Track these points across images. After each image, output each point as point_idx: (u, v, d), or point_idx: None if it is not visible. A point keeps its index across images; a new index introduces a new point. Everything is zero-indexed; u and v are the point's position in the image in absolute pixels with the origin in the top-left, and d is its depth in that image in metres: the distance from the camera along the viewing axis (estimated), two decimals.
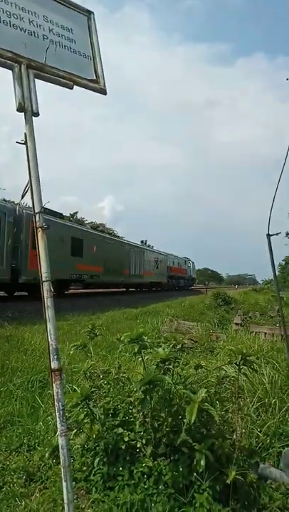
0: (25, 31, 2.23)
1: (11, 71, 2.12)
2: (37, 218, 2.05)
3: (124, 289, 30.70)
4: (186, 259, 46.98)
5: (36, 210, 2.06)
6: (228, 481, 2.31)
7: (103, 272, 23.71)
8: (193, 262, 50.22)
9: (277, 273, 6.46)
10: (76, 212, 56.45)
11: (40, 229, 2.04)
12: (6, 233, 14.62)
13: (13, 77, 2.10)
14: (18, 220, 15.28)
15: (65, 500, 1.80)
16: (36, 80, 2.23)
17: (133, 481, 2.41)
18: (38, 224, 2.05)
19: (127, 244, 29.68)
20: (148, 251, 33.82)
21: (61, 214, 21.75)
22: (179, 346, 2.73)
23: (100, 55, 2.62)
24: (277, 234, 4.69)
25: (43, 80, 2.28)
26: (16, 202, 18.50)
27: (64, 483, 1.81)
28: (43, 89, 2.25)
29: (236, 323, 9.52)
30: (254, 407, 3.64)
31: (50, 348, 1.91)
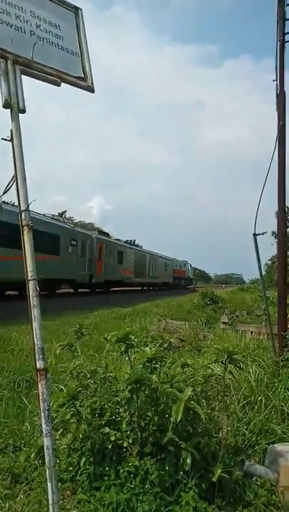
0: (11, 26, 2.20)
1: None
2: (23, 216, 2.02)
3: (140, 288, 37.96)
4: (185, 262, 53.86)
5: (22, 208, 2.03)
6: (213, 479, 2.33)
7: (133, 275, 32.79)
8: (190, 265, 57.82)
9: (263, 272, 6.54)
10: (65, 212, 56.08)
11: (26, 227, 2.01)
12: (88, 252, 24.21)
13: None
14: (92, 243, 25.01)
15: (50, 501, 1.78)
16: (23, 76, 2.20)
17: (119, 481, 2.41)
18: (23, 222, 2.02)
19: (146, 252, 37.88)
20: (160, 257, 41.98)
21: (108, 234, 30.59)
22: (165, 345, 2.74)
23: (87, 53, 2.60)
24: (263, 233, 4.75)
25: (30, 77, 2.25)
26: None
27: (49, 484, 1.79)
28: (32, 87, 2.23)
29: (223, 322, 9.60)
30: (240, 404, 3.68)
31: (36, 347, 1.88)
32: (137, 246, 37.40)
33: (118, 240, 32.47)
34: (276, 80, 5.20)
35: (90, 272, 24.53)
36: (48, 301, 15.82)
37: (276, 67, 5.16)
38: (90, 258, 24.66)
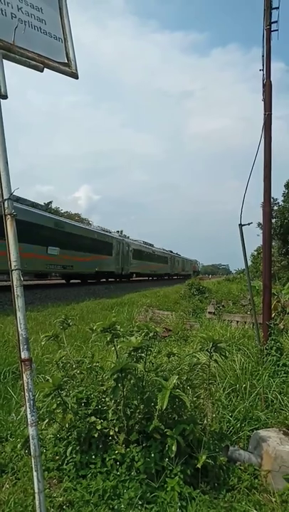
0: None
1: None
2: (5, 205, 1.98)
3: (167, 278, 51.36)
4: (197, 260, 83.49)
5: (5, 197, 1.99)
6: (198, 465, 2.38)
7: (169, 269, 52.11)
8: (200, 262, 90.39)
9: (249, 263, 6.61)
10: (50, 202, 55.37)
11: (9, 216, 1.98)
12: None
13: None
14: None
15: (36, 490, 1.79)
16: (4, 61, 2.13)
17: (105, 469, 2.43)
18: (6, 211, 1.99)
19: (171, 254, 55.72)
20: (187, 259, 68.49)
21: (152, 244, 44.92)
22: (151, 334, 2.75)
23: (71, 38, 2.53)
24: (248, 224, 4.79)
25: (12, 61, 2.18)
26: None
27: (34, 473, 1.79)
28: (14, 74, 2.16)
29: (210, 312, 9.70)
30: (225, 392, 3.74)
31: (20, 337, 1.87)
32: (167, 251, 54.95)
33: (164, 249, 49.89)
34: (262, 70, 5.20)
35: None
36: (42, 292, 15.73)
37: (263, 56, 5.15)
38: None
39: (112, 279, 32.91)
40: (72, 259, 23.15)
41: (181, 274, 58.37)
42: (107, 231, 32.35)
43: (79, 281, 27.40)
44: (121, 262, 32.95)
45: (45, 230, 19.84)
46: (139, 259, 38.07)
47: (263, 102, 5.17)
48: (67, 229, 23.11)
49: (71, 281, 27.21)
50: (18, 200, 17.90)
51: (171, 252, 56.19)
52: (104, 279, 31.36)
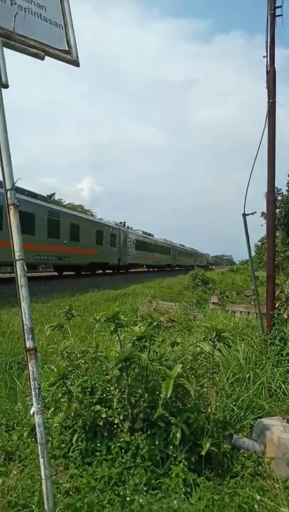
0: None
1: None
2: (8, 195, 1.98)
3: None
4: (208, 254, 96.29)
5: (8, 187, 1.99)
6: (202, 453, 2.40)
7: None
8: (209, 254, 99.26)
9: (253, 253, 6.58)
10: (53, 194, 55.36)
11: (12, 206, 1.97)
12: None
13: None
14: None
15: (43, 476, 1.82)
16: (4, 49, 2.11)
17: (111, 456, 2.47)
18: (9, 201, 1.98)
19: (193, 250, 67.26)
20: (199, 253, 75.78)
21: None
22: (154, 324, 2.76)
23: (72, 25, 2.49)
24: (252, 213, 4.76)
25: (12, 49, 2.16)
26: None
27: (41, 460, 1.82)
28: (15, 64, 2.14)
29: (213, 303, 9.72)
30: (229, 381, 3.76)
31: (25, 327, 1.88)
32: (193, 249, 67.94)
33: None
34: (266, 56, 5.10)
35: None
36: (46, 283, 15.84)
37: (266, 42, 5.05)
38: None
39: (110, 271, 31.25)
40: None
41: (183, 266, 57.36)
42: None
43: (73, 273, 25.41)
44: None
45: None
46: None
47: (266, 90, 5.09)
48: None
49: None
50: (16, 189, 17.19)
51: (192, 248, 66.19)
52: (101, 271, 29.90)
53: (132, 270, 36.52)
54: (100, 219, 32.17)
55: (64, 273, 25.14)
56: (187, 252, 62.34)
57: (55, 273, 24.81)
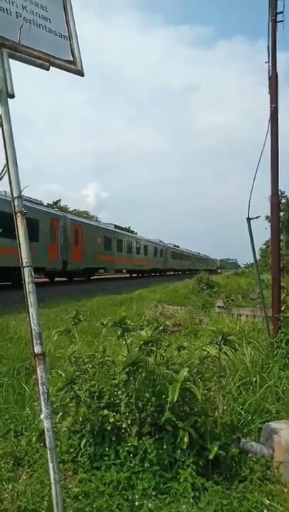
0: None
1: None
2: (15, 203, 2.01)
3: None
4: (216, 259, 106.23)
5: (15, 195, 2.03)
6: (210, 457, 2.41)
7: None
8: (218, 260, 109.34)
9: (257, 257, 6.58)
10: (59, 200, 55.68)
11: (19, 214, 2.01)
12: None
13: None
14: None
15: (52, 481, 1.83)
16: (11, 60, 2.16)
17: (119, 460, 2.48)
18: (16, 209, 2.02)
19: (206, 256, 77.40)
20: (211, 259, 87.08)
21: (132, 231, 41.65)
22: (161, 328, 2.78)
23: (76, 35, 2.55)
24: (256, 217, 4.77)
25: (18, 60, 2.21)
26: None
27: (50, 465, 1.84)
28: (19, 73, 2.18)
29: (219, 306, 9.70)
30: (236, 385, 3.75)
31: (33, 332, 1.91)
32: (206, 255, 79.08)
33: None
34: (268, 62, 5.14)
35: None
36: (52, 289, 15.91)
37: (268, 47, 5.09)
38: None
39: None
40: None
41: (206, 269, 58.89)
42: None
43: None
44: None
45: None
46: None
47: (269, 95, 5.13)
48: None
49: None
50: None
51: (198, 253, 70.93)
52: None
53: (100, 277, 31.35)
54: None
55: (74, 278, 25.07)
56: (202, 258, 75.79)
57: (60, 278, 24.53)
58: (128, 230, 38.87)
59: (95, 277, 26.66)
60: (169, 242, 50.63)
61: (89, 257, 25.20)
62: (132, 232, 39.75)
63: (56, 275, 23.21)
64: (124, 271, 38.28)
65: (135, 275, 37.85)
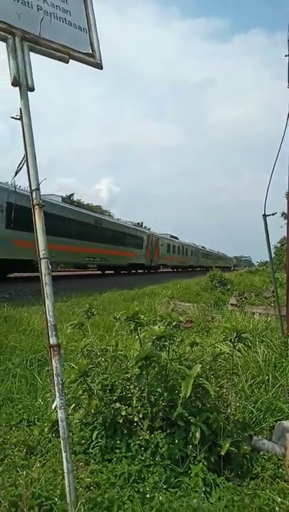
0: (18, 1, 2.16)
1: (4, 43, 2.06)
2: (34, 195, 2.03)
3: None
4: (233, 257, 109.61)
5: (33, 187, 2.05)
6: (222, 453, 2.40)
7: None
8: (234, 258, 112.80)
9: (272, 254, 6.52)
10: (72, 194, 56.07)
11: (37, 206, 2.03)
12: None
13: (7, 50, 2.04)
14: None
15: (65, 470, 1.86)
16: (31, 53, 2.17)
17: (130, 454, 2.49)
18: (34, 201, 2.04)
19: (225, 256, 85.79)
20: (228, 257, 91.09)
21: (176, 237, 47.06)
22: (174, 324, 2.77)
23: (95, 28, 2.55)
24: (273, 214, 4.71)
25: (38, 53, 2.22)
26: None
27: (64, 454, 1.87)
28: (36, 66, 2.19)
29: (232, 304, 9.64)
30: (248, 383, 3.73)
31: (49, 324, 1.93)
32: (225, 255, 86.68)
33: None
34: (288, 55, 5.04)
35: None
36: (65, 282, 16.08)
37: (288, 41, 4.98)
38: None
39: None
40: None
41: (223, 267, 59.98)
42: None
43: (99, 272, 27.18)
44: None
45: None
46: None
47: (288, 89, 5.02)
48: None
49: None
50: None
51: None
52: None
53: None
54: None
55: (83, 273, 27.09)
56: (222, 257, 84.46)
57: (71, 272, 25.51)
58: (141, 225, 39.16)
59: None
60: (181, 237, 50.90)
61: (161, 258, 38.13)
62: (146, 228, 40.11)
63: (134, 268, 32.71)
64: (169, 267, 45.61)
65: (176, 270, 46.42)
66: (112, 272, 31.31)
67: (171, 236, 47.79)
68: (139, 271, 35.43)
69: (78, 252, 22.72)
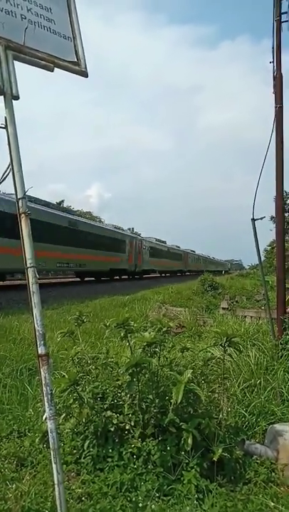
0: (2, 10, 2.15)
1: None
2: (20, 204, 2.02)
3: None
4: (227, 262, 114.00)
5: (19, 196, 2.03)
6: (214, 458, 2.39)
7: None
8: (228, 263, 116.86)
9: (262, 258, 6.56)
10: (62, 201, 55.86)
11: (23, 215, 2.02)
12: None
13: None
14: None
15: (55, 482, 1.83)
16: (15, 62, 2.17)
17: (122, 462, 2.47)
18: (21, 210, 2.02)
19: (222, 261, 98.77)
20: (220, 261, 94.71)
21: (164, 241, 45.75)
22: (164, 329, 2.77)
23: (80, 36, 2.55)
24: (261, 218, 4.75)
25: (22, 62, 2.21)
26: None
27: (54, 465, 1.84)
28: (22, 73, 2.19)
29: (223, 308, 9.67)
30: (240, 387, 3.73)
31: (37, 333, 1.91)
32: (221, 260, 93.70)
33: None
34: (273, 62, 5.13)
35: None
36: (56, 290, 15.97)
37: (273, 48, 5.08)
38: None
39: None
40: None
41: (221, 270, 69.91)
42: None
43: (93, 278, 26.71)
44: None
45: None
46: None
47: (273, 95, 5.11)
48: None
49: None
50: None
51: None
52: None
53: None
54: None
55: (73, 279, 26.15)
56: (220, 263, 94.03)
57: (62, 280, 24.70)
58: (132, 230, 39.07)
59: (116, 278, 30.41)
60: (173, 243, 50.84)
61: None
62: (137, 233, 39.88)
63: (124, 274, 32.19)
64: (156, 271, 43.89)
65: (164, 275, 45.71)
66: (93, 278, 28.38)
67: (158, 240, 44.00)
68: (122, 277, 32.91)
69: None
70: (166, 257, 45.70)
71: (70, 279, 27.16)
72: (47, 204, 22.71)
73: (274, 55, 5.11)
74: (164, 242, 46.47)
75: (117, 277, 31.89)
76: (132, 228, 41.66)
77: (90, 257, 25.56)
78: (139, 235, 39.71)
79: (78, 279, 27.21)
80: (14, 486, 2.16)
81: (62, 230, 22.32)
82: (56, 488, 1.83)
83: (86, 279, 27.75)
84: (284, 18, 5.14)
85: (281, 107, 5.04)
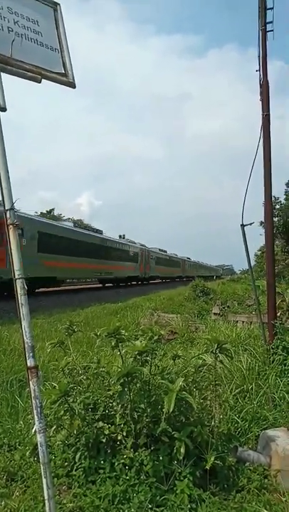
0: None
1: None
2: (8, 215, 2.01)
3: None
4: (220, 268, 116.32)
5: (7, 207, 2.02)
6: (207, 467, 2.38)
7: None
8: (220, 268, 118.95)
9: (253, 263, 6.61)
10: (53, 209, 55.57)
11: (11, 226, 2.01)
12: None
13: None
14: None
15: (46, 497, 1.80)
16: (2, 74, 2.18)
17: (115, 473, 2.44)
18: (9, 221, 2.02)
19: (215, 266, 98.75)
20: (212, 267, 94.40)
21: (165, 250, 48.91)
22: (155, 338, 2.76)
23: (67, 48, 2.58)
24: (250, 224, 4.81)
25: (9, 74, 2.22)
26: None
27: (44, 480, 1.81)
28: (10, 83, 2.20)
29: (215, 313, 9.69)
30: (232, 393, 3.73)
31: (26, 345, 1.89)
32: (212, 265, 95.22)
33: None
34: (259, 70, 5.23)
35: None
36: (47, 299, 15.84)
37: (259, 56, 5.18)
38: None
39: None
40: None
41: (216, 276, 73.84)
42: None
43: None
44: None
45: None
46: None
47: (260, 102, 5.20)
48: None
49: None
50: None
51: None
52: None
53: None
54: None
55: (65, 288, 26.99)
56: (213, 268, 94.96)
57: (54, 288, 25.49)
58: (123, 237, 39.15)
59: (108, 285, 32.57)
60: (163, 248, 51.34)
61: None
62: (134, 242, 40.26)
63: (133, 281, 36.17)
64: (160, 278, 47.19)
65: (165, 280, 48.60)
66: (111, 284, 34.29)
67: (160, 249, 49.49)
68: (132, 282, 37.81)
69: (88, 268, 27.66)
70: (168, 265, 50.28)
71: (92, 285, 33.30)
72: (93, 229, 32.22)
73: (260, 64, 5.21)
74: (165, 251, 50.94)
75: (134, 282, 38.08)
76: (124, 235, 41.59)
77: (116, 267, 32.49)
78: (143, 245, 40.43)
79: (100, 285, 33.93)
80: (3, 502, 2.12)
81: (97, 247, 28.76)
82: (46, 504, 1.80)
83: (106, 284, 34.28)
84: (269, 27, 5.25)
85: (268, 115, 5.13)
